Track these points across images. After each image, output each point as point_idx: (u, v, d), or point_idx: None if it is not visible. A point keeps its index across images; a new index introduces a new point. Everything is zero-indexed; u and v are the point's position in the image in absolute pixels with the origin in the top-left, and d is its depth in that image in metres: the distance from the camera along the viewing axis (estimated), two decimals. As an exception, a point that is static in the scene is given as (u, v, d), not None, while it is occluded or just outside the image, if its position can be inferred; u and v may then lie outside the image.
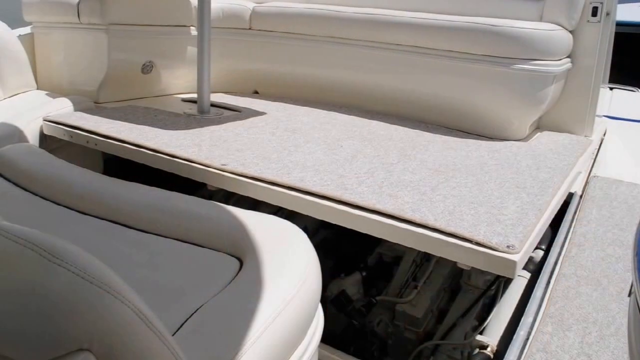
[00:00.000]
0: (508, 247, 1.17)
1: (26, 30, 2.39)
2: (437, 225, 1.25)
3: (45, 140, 1.93)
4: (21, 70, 2.25)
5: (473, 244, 1.20)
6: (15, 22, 2.37)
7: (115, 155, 2.28)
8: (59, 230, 1.21)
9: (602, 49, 1.97)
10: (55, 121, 1.89)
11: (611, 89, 2.96)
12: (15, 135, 1.81)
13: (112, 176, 1.46)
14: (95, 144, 1.80)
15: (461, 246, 1.21)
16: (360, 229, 1.35)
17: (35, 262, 0.59)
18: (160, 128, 1.87)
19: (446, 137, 1.90)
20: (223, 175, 1.55)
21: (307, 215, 2.18)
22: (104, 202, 1.30)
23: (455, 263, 1.81)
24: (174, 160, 1.64)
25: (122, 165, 2.31)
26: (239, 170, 1.54)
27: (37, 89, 2.36)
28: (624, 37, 3.01)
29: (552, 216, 1.46)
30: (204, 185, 2.32)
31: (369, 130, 1.91)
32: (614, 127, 2.38)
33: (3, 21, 2.27)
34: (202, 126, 1.92)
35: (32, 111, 1.95)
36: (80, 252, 0.63)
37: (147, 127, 1.87)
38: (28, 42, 2.34)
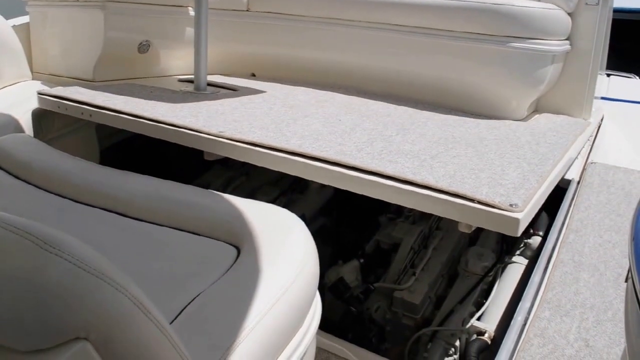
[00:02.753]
0: (511, 205, 1.16)
1: (21, 20, 2.37)
2: (439, 185, 1.24)
3: (42, 131, 1.92)
4: (16, 60, 2.23)
5: (475, 202, 1.18)
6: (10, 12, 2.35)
7: (112, 145, 2.27)
8: (55, 220, 1.20)
9: (600, 32, 1.96)
10: (49, 94, 1.87)
11: (608, 75, 2.96)
12: (10, 125, 1.80)
13: (108, 166, 1.45)
14: (90, 115, 1.78)
15: (463, 205, 1.19)
16: (360, 192, 1.33)
17: (32, 251, 0.58)
18: (157, 101, 1.85)
19: (444, 115, 1.89)
20: (221, 142, 1.53)
21: (305, 203, 2.19)
22: (101, 191, 1.30)
23: (453, 249, 1.83)
24: (171, 129, 1.62)
25: (119, 156, 2.30)
26: (237, 136, 1.52)
27: (32, 71, 2.34)
28: (621, 23, 2.99)
29: (554, 185, 1.45)
30: (200, 175, 2.33)
31: (367, 108, 1.90)
32: (611, 109, 2.37)
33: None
34: (198, 101, 1.90)
35: (28, 101, 1.94)
36: (77, 242, 0.63)
37: (143, 100, 1.85)
38: (23, 32, 2.32)
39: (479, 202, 1.18)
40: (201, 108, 1.78)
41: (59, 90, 1.91)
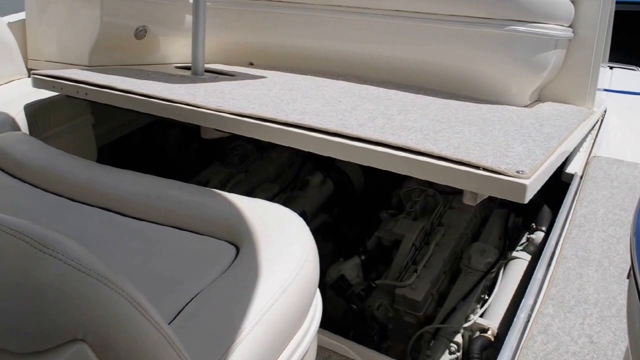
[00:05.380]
0: (517, 172, 1.14)
1: (16, 17, 2.35)
2: (443, 154, 1.21)
3: (38, 129, 1.90)
4: (11, 58, 2.21)
5: (481, 169, 1.16)
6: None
7: (110, 143, 2.25)
8: (52, 219, 1.19)
9: (602, 21, 1.93)
10: (44, 74, 1.85)
11: (611, 68, 2.93)
12: (6, 123, 1.78)
13: (106, 164, 1.44)
14: (86, 94, 1.75)
15: (468, 172, 1.16)
16: (363, 162, 1.31)
17: (26, 252, 0.58)
18: (153, 81, 1.83)
19: (446, 100, 1.86)
20: (219, 116, 1.50)
21: (305, 200, 2.18)
22: (98, 190, 1.29)
23: (455, 245, 1.81)
24: (168, 104, 1.59)
25: (117, 153, 2.29)
26: (235, 110, 1.50)
27: (28, 58, 2.31)
28: (624, 15, 2.97)
29: (560, 162, 1.43)
30: (199, 172, 2.31)
31: (368, 93, 1.87)
32: (615, 102, 2.35)
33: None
34: (196, 83, 1.88)
35: (24, 99, 1.93)
36: (72, 242, 0.62)
37: (139, 80, 1.83)
38: (18, 29, 2.31)
39: (485, 169, 1.15)
40: (198, 88, 1.76)
41: (54, 71, 1.90)
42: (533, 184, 1.14)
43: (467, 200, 1.24)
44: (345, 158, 1.33)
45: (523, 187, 1.12)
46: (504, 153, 1.25)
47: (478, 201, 1.24)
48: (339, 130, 1.34)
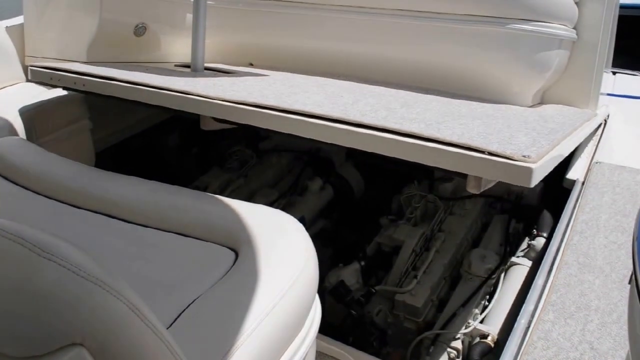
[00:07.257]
0: (524, 156, 1.12)
1: (14, 21, 2.35)
2: (447, 139, 1.19)
3: (36, 134, 1.90)
4: (9, 62, 2.21)
5: (486, 154, 1.14)
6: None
7: (108, 148, 2.24)
8: (50, 224, 1.19)
9: (606, 24, 1.93)
10: (42, 66, 1.84)
11: (614, 73, 2.93)
12: (4, 128, 1.78)
13: (104, 169, 1.43)
14: (83, 85, 1.74)
15: (472, 157, 1.14)
16: (365, 148, 1.29)
17: (25, 257, 0.58)
18: (153, 74, 1.82)
19: (449, 98, 1.84)
20: (219, 105, 1.49)
21: (304, 205, 2.17)
22: (96, 195, 1.28)
23: (455, 251, 1.81)
24: (167, 93, 1.57)
25: (115, 158, 2.28)
26: (236, 99, 1.48)
27: (25, 55, 2.31)
28: (627, 20, 2.96)
29: (565, 155, 1.42)
30: (198, 177, 2.31)
31: (370, 90, 1.85)
32: (617, 107, 2.34)
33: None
34: (195, 77, 1.87)
35: (22, 104, 1.92)
36: (71, 246, 0.62)
37: (138, 72, 1.82)
38: (16, 32, 2.30)
39: (490, 154, 1.14)
40: (198, 82, 1.74)
41: (52, 63, 1.89)
42: (539, 169, 1.12)
43: (470, 188, 1.22)
44: (347, 144, 1.31)
45: (529, 171, 1.10)
46: (509, 141, 1.24)
47: (482, 189, 1.21)
48: (341, 117, 1.33)
